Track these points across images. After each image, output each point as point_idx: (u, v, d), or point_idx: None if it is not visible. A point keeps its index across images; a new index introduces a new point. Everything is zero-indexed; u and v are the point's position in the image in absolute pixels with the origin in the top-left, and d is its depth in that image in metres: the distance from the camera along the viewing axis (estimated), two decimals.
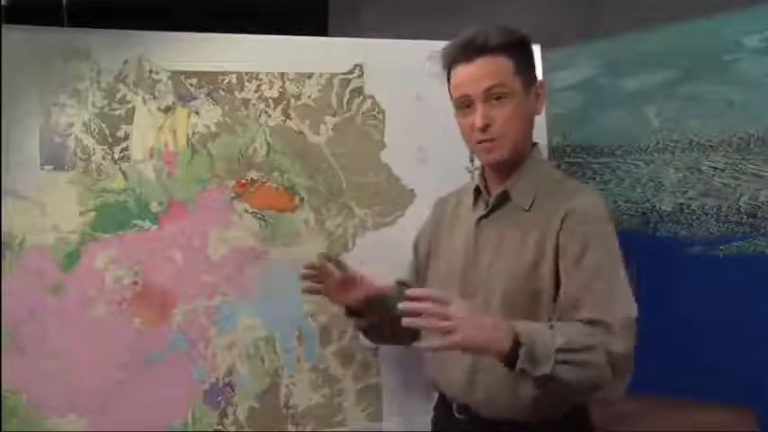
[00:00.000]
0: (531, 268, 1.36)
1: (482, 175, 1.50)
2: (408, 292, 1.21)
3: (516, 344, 1.18)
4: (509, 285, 1.38)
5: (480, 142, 1.40)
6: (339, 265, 1.57)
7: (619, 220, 2.11)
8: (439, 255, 1.56)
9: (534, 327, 1.23)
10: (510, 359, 1.19)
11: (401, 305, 1.18)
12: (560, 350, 1.19)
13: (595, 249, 1.32)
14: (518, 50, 1.40)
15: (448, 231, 1.56)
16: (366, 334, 1.67)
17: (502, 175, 1.45)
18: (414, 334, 1.46)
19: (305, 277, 1.58)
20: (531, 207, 1.41)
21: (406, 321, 1.17)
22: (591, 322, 1.26)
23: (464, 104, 1.41)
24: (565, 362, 1.19)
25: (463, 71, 1.40)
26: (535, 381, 1.20)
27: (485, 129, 1.38)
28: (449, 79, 1.45)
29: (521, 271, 1.37)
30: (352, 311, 1.61)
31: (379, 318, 1.58)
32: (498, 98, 1.38)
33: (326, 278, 1.57)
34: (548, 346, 1.19)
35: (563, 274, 1.33)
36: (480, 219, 1.46)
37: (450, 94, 1.45)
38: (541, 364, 1.18)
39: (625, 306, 1.30)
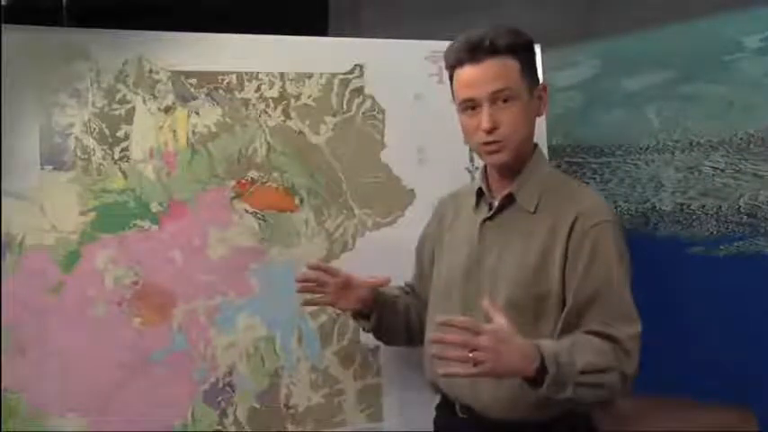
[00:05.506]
0: (537, 271, 1.36)
1: (485, 176, 1.49)
2: (438, 319, 1.22)
3: (541, 366, 1.20)
4: (514, 288, 1.38)
5: (485, 144, 1.40)
6: (330, 271, 1.57)
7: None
8: (442, 257, 1.56)
9: (557, 348, 1.23)
10: (534, 380, 1.21)
11: (432, 336, 1.20)
12: (582, 372, 1.21)
13: (606, 256, 1.33)
14: (524, 52, 1.40)
15: (450, 233, 1.56)
16: (378, 336, 1.67)
17: (505, 176, 1.45)
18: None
19: (302, 291, 1.58)
20: (536, 209, 1.41)
21: (435, 351, 1.19)
22: (602, 336, 1.28)
23: (469, 106, 1.40)
24: (584, 383, 1.21)
25: (470, 72, 1.39)
26: (554, 400, 1.22)
27: (491, 131, 1.38)
28: (452, 79, 1.44)
29: (526, 274, 1.37)
30: (357, 314, 1.62)
31: (381, 317, 1.59)
32: (505, 100, 1.37)
33: (324, 287, 1.57)
34: (571, 370, 1.20)
35: (572, 279, 1.33)
36: (484, 221, 1.46)
37: (453, 95, 1.44)
38: (565, 389, 1.20)
39: (633, 320, 1.32)
